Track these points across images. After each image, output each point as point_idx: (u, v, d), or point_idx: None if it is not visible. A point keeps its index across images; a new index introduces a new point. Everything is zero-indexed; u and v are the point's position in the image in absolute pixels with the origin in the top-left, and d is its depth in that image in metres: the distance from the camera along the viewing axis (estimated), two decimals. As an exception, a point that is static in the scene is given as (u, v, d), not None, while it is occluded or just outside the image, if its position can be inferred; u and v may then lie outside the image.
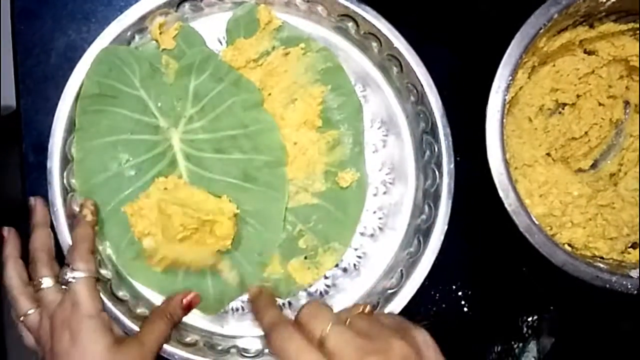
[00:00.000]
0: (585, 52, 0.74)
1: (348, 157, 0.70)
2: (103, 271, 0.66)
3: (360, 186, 0.70)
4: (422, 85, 0.67)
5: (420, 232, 0.69)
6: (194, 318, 0.68)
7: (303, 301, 0.70)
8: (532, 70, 0.71)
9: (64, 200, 0.65)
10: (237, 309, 0.70)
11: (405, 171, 0.71)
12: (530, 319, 0.77)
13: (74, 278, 0.60)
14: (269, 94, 0.70)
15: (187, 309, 0.66)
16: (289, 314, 0.70)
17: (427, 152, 0.69)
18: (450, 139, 0.67)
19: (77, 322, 0.58)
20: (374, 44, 0.69)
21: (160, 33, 0.68)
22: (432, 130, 0.67)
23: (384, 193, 0.71)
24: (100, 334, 0.59)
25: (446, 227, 0.66)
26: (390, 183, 0.71)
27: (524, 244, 0.63)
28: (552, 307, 0.77)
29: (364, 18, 0.67)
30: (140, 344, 0.61)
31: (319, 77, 0.70)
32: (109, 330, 0.60)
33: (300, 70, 0.70)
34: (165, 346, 0.64)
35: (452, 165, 0.66)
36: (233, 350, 0.68)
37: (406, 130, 0.71)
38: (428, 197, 0.69)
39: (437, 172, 0.67)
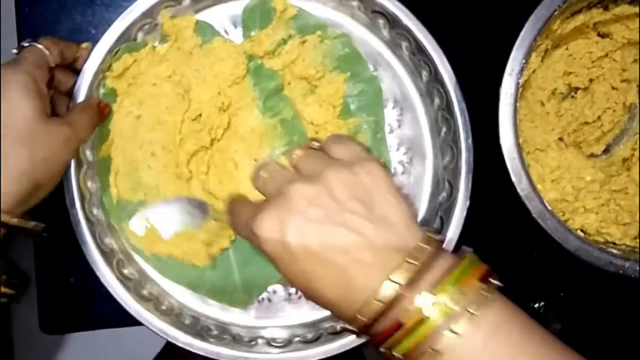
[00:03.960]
0: (599, 35, 0.78)
1: (370, 144, 0.75)
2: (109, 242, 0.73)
3: None
4: (434, 61, 0.71)
5: (441, 210, 0.74)
6: (214, 310, 0.76)
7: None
8: (545, 53, 0.75)
9: (82, 205, 0.71)
10: (263, 299, 0.76)
11: (422, 150, 0.77)
12: (536, 305, 0.82)
13: (29, 44, 0.66)
14: (289, 83, 0.75)
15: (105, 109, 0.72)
16: (304, 304, 0.77)
17: (444, 129, 0.74)
18: (466, 114, 0.71)
19: (12, 74, 0.62)
20: (382, 22, 0.74)
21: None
22: (447, 107, 0.72)
23: (402, 173, 0.77)
24: (33, 95, 0.62)
25: (468, 202, 0.71)
26: (407, 163, 0.77)
27: (535, 230, 0.67)
28: (562, 294, 0.83)
29: None
30: (67, 126, 0.65)
31: (337, 65, 0.75)
32: (43, 100, 0.64)
33: (318, 58, 0.75)
34: (192, 341, 0.71)
35: (470, 141, 0.71)
36: (260, 340, 0.74)
37: (421, 108, 0.77)
38: (447, 174, 0.74)
39: (454, 149, 0.72)
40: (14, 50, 0.65)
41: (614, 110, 0.80)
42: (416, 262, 0.47)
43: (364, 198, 0.51)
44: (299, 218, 0.50)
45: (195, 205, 0.75)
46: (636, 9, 0.74)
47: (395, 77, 0.77)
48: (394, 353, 0.48)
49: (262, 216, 0.51)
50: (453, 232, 0.71)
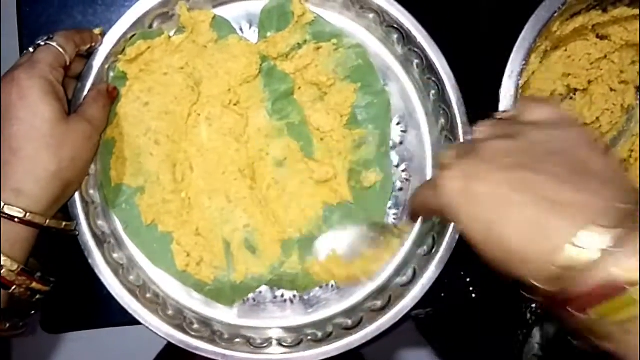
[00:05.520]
0: (597, 36, 0.79)
1: (373, 157, 0.77)
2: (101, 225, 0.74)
3: (384, 187, 0.77)
4: (443, 82, 0.73)
5: (434, 231, 0.74)
6: (197, 304, 0.76)
7: (314, 293, 0.77)
8: (544, 55, 0.76)
9: (86, 214, 0.72)
10: (248, 299, 0.77)
11: (422, 168, 0.78)
12: (534, 305, 0.81)
13: (44, 43, 0.66)
14: (299, 88, 0.77)
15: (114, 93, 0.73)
16: (300, 307, 0.77)
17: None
18: (469, 138, 0.72)
19: (29, 79, 0.63)
20: (396, 37, 0.76)
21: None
22: (452, 128, 0.74)
23: (400, 189, 0.78)
24: (52, 98, 0.64)
25: None
26: (406, 180, 0.78)
27: None
28: None
29: (386, 11, 0.74)
30: (87, 122, 0.67)
31: (349, 74, 0.77)
32: (61, 101, 0.65)
33: (331, 66, 0.76)
34: (173, 332, 0.71)
35: None
36: (240, 339, 0.74)
37: (425, 127, 0.78)
38: None
39: None
40: (31, 49, 0.67)
41: (612, 112, 0.81)
42: (630, 216, 0.41)
43: (568, 156, 0.46)
44: (486, 165, 0.46)
45: (377, 229, 0.76)
46: (635, 11, 0.76)
47: (403, 93, 0.79)
48: (590, 314, 0.41)
49: (445, 173, 0.48)
50: (443, 255, 0.73)
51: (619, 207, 0.41)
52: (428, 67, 0.75)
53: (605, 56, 0.80)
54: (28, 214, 0.62)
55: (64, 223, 0.68)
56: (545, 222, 0.42)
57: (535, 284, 0.43)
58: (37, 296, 0.66)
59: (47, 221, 0.64)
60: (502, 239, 0.44)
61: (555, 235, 0.41)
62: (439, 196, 0.48)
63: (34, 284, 0.65)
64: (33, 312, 0.69)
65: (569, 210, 0.42)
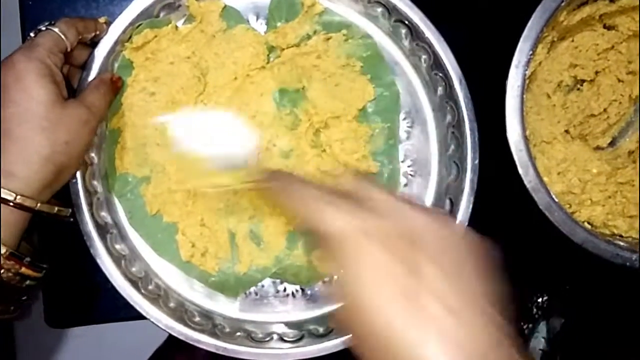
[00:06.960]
0: (605, 27, 0.79)
1: (381, 150, 0.76)
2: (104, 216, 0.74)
3: (392, 179, 0.76)
4: (451, 78, 0.72)
5: None
6: (199, 297, 0.76)
7: (317, 288, 0.77)
8: (551, 45, 0.76)
9: (82, 174, 0.71)
10: (250, 293, 0.76)
11: (427, 164, 0.78)
12: (540, 299, 0.82)
13: (46, 28, 0.66)
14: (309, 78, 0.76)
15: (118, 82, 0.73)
16: (302, 302, 0.77)
17: (452, 146, 0.75)
18: (476, 134, 0.72)
19: (26, 62, 0.63)
20: (404, 32, 0.76)
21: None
22: (458, 125, 0.73)
23: (405, 185, 0.78)
24: (48, 81, 0.63)
25: (466, 223, 0.71)
26: (411, 175, 0.78)
27: (541, 222, 0.67)
28: (567, 287, 0.82)
29: (395, 5, 0.73)
30: (85, 107, 0.66)
31: (359, 66, 0.76)
32: (58, 85, 0.65)
33: (341, 57, 0.76)
34: (174, 324, 0.70)
35: (477, 161, 0.71)
36: (241, 333, 0.73)
37: (432, 123, 0.78)
38: (449, 192, 0.75)
39: (460, 167, 0.73)
40: (32, 34, 0.67)
41: (620, 103, 0.80)
42: None
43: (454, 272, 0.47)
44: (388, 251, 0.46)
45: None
46: (643, 1, 0.75)
47: (410, 88, 0.78)
48: None
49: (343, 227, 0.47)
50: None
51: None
52: (435, 63, 0.74)
53: (613, 47, 0.79)
54: (18, 197, 0.61)
55: (56, 208, 0.67)
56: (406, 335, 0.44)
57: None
58: (28, 282, 0.65)
59: (38, 205, 0.63)
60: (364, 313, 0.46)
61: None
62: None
63: (24, 269, 0.64)
64: (25, 297, 0.68)
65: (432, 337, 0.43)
